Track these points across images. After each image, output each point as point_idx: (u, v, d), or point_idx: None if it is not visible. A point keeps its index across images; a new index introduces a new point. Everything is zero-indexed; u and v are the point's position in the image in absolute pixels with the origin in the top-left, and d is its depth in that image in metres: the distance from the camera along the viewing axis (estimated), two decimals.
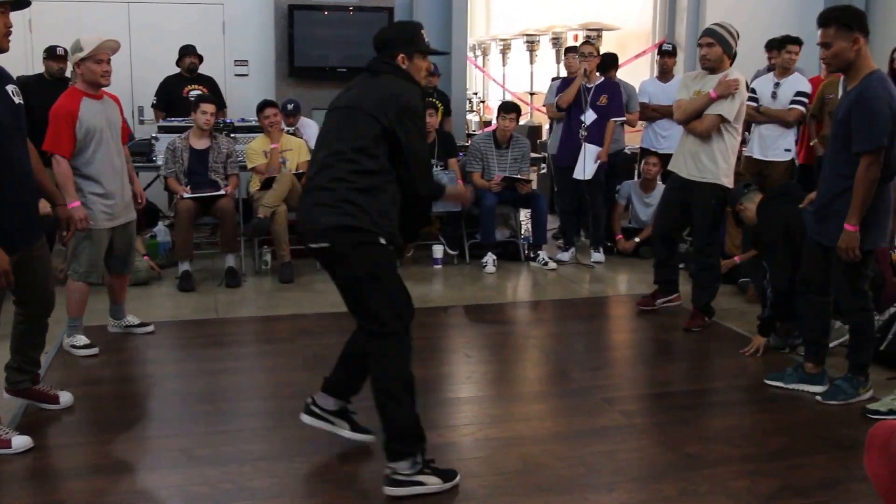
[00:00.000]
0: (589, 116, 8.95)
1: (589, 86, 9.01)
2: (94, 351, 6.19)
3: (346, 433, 4.63)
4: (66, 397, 5.25)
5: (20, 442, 4.60)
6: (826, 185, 5.29)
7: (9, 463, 4.50)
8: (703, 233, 6.88)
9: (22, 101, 4.61)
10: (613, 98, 9.07)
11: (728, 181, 6.75)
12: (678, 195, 6.96)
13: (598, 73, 9.19)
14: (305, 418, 4.62)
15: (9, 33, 4.44)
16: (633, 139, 10.71)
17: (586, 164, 8.96)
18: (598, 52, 9.36)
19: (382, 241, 4.11)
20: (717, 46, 6.65)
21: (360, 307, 4.23)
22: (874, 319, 5.49)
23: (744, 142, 9.21)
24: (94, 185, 6.04)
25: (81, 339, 6.23)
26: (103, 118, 6.04)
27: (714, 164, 6.69)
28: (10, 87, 4.52)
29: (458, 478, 4.27)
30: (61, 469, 4.54)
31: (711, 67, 6.73)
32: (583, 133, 8.93)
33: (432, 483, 4.18)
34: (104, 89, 6.18)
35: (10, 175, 4.43)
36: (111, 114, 6.17)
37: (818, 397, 5.41)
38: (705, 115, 6.67)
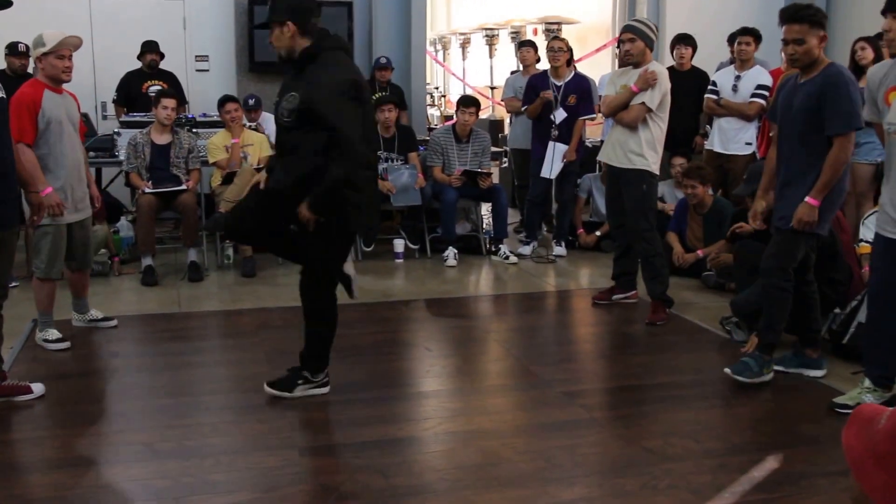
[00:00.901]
0: (559, 115, 8.97)
1: (559, 83, 9.04)
2: (66, 345, 6.17)
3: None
4: (38, 387, 5.26)
5: None
6: (783, 176, 5.39)
7: None
8: (638, 219, 6.93)
9: (4, 96, 4.71)
10: (583, 96, 9.08)
11: (656, 168, 6.90)
12: (614, 184, 7.08)
13: (567, 68, 9.21)
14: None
15: None
16: (593, 132, 10.77)
17: (553, 163, 9.00)
18: (568, 46, 9.36)
19: None
20: (639, 41, 6.79)
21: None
22: (788, 303, 5.54)
23: (705, 135, 9.30)
24: (53, 178, 5.99)
25: (53, 334, 6.21)
26: (64, 112, 6.01)
27: (642, 152, 6.82)
28: None
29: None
30: (23, 463, 4.53)
31: (635, 62, 6.88)
32: (554, 132, 8.97)
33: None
34: (64, 86, 6.15)
35: None
36: (71, 109, 6.15)
37: (727, 369, 5.51)
38: (631, 105, 6.81)
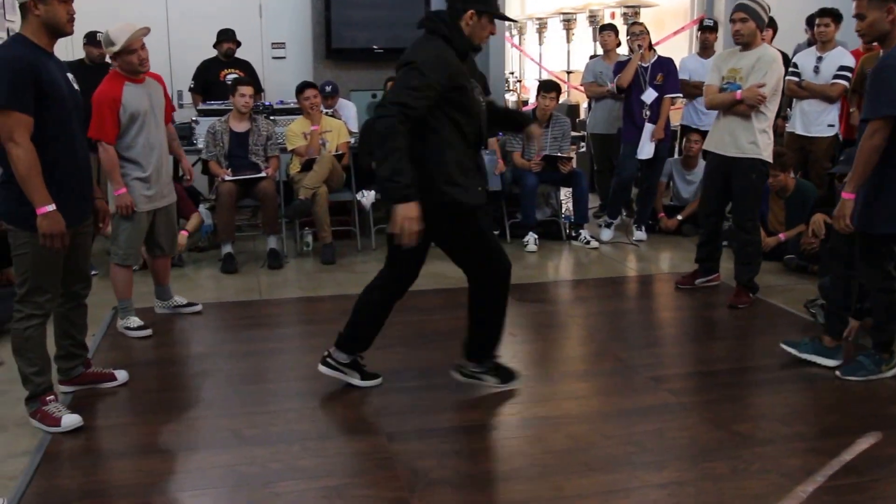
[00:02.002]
0: (649, 95, 8.90)
1: (644, 65, 8.94)
2: (148, 332, 6.24)
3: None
4: (122, 374, 5.33)
5: (70, 420, 4.65)
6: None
7: (59, 442, 4.54)
8: (744, 209, 6.82)
9: (78, 88, 4.72)
10: (669, 75, 9.00)
11: (768, 155, 6.72)
12: (719, 173, 6.90)
13: (651, 51, 9.13)
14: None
15: (72, 19, 4.56)
16: (673, 117, 10.62)
17: (645, 144, 8.94)
18: (647, 29, 9.27)
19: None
20: (751, 21, 6.57)
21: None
22: (894, 301, 5.37)
23: (786, 118, 9.13)
24: (135, 169, 6.06)
25: (134, 321, 6.27)
26: (147, 101, 6.05)
27: (754, 140, 6.64)
28: (70, 75, 4.68)
29: (379, 380, 5.19)
30: (110, 449, 4.56)
31: (745, 43, 6.68)
32: (646, 113, 8.90)
33: (354, 378, 5.13)
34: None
35: (69, 151, 4.56)
36: (154, 96, 6.19)
37: (837, 372, 5.36)
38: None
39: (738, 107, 6.63)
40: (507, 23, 10.22)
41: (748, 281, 6.92)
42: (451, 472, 4.16)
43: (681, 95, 9.38)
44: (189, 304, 6.77)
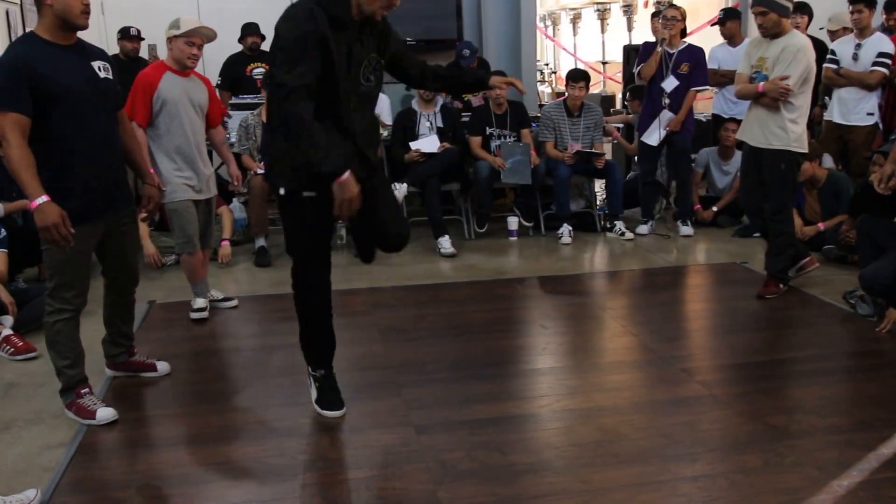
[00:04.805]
0: (670, 84, 8.77)
1: (671, 52, 8.82)
2: (204, 314, 6.52)
3: None
4: (163, 366, 5.41)
5: (104, 414, 4.70)
6: None
7: (93, 434, 4.59)
8: (775, 199, 6.73)
9: (110, 77, 4.71)
10: (696, 66, 8.84)
11: (798, 145, 6.58)
12: (753, 164, 6.84)
13: (681, 39, 9.01)
14: None
15: (86, 11, 4.49)
16: (705, 106, 10.54)
17: (655, 130, 8.83)
18: (683, 16, 9.12)
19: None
20: (771, 13, 6.47)
21: None
22: None
23: (823, 106, 9.04)
24: (167, 160, 6.11)
25: (198, 302, 6.53)
26: (184, 95, 6.11)
27: (784, 130, 6.53)
28: (97, 63, 4.65)
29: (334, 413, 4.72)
30: (143, 441, 4.58)
31: (772, 34, 6.58)
32: (665, 101, 8.78)
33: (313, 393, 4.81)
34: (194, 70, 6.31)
35: (86, 143, 4.54)
36: (195, 93, 6.24)
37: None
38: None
39: (762, 99, 6.56)
40: (538, 14, 10.15)
41: (779, 272, 6.85)
42: (479, 464, 4.15)
43: (708, 87, 9.26)
44: (226, 299, 6.84)
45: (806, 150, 6.64)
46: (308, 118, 4.04)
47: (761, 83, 6.52)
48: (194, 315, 6.46)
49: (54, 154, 4.43)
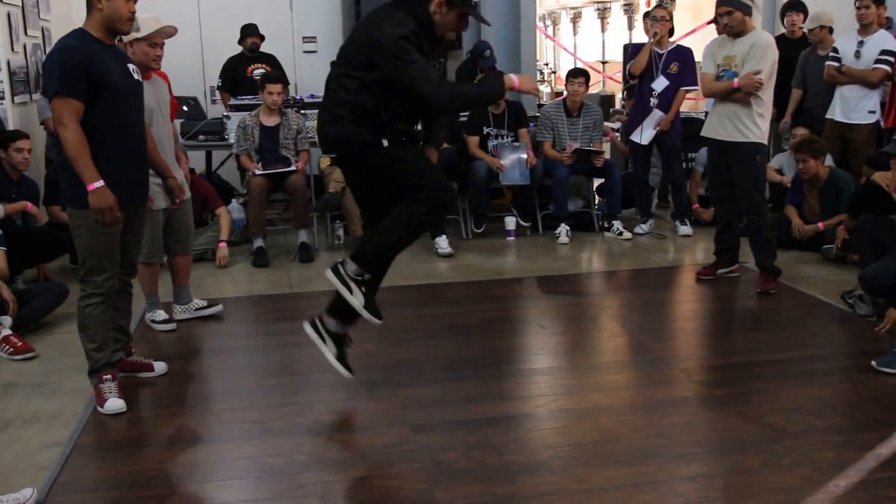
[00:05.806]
0: (659, 83, 8.76)
1: (661, 52, 8.81)
2: (172, 326, 6.33)
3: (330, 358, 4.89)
4: (160, 365, 5.43)
5: (112, 405, 4.82)
6: None
7: (90, 433, 4.61)
8: (752, 194, 6.80)
9: (140, 80, 5.00)
10: (686, 66, 8.85)
11: (765, 139, 6.84)
12: (721, 159, 6.93)
13: (670, 39, 9.00)
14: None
15: (132, 18, 4.83)
16: (697, 106, 10.54)
17: (644, 129, 8.83)
18: (671, 16, 9.14)
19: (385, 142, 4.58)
20: (736, 12, 6.65)
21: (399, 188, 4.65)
22: None
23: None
24: None
25: (160, 315, 6.37)
26: (153, 99, 5.95)
27: (755, 125, 6.69)
28: (130, 65, 4.96)
29: (375, 320, 4.74)
30: (139, 440, 4.58)
31: (737, 33, 6.75)
32: (653, 101, 8.77)
33: (356, 298, 4.70)
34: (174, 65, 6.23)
35: (123, 135, 4.80)
36: (161, 93, 6.14)
37: (873, 363, 5.19)
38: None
39: (736, 94, 6.68)
40: (538, 13, 10.14)
41: (769, 265, 6.89)
42: (476, 464, 4.14)
43: (697, 87, 9.26)
44: (210, 305, 6.67)
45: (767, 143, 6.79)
46: (459, 86, 5.29)
47: (735, 79, 6.64)
48: (159, 327, 6.35)
49: (94, 142, 4.62)
